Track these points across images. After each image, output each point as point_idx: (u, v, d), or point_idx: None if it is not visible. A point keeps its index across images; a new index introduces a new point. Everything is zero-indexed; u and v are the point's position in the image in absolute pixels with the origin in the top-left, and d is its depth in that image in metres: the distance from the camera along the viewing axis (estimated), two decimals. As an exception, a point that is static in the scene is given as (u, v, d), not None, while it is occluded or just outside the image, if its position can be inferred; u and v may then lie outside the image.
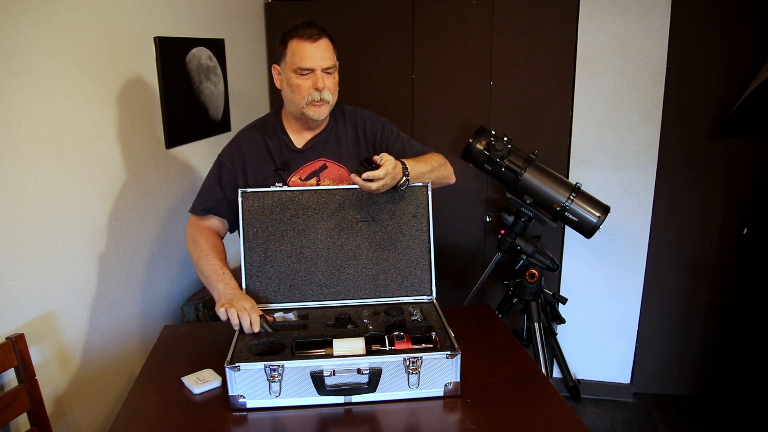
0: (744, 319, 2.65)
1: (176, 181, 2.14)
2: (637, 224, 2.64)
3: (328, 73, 1.58)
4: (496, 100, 2.65)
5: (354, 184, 1.45)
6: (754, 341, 2.64)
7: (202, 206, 1.67)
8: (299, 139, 1.69)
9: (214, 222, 1.68)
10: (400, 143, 1.71)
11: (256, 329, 1.39)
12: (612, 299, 2.74)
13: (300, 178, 1.67)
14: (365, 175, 1.39)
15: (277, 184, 1.57)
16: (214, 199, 1.66)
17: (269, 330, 1.41)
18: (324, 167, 1.68)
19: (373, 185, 1.41)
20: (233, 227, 1.70)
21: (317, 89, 1.56)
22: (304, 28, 1.57)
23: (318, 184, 1.67)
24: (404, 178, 1.48)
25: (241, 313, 1.39)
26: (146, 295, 1.98)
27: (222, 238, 1.69)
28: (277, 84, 1.65)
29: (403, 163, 1.49)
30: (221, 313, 1.41)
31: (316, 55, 1.55)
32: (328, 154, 1.69)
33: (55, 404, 1.59)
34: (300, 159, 1.68)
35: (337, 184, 1.66)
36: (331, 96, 1.59)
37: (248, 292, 1.53)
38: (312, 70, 1.56)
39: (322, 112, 1.59)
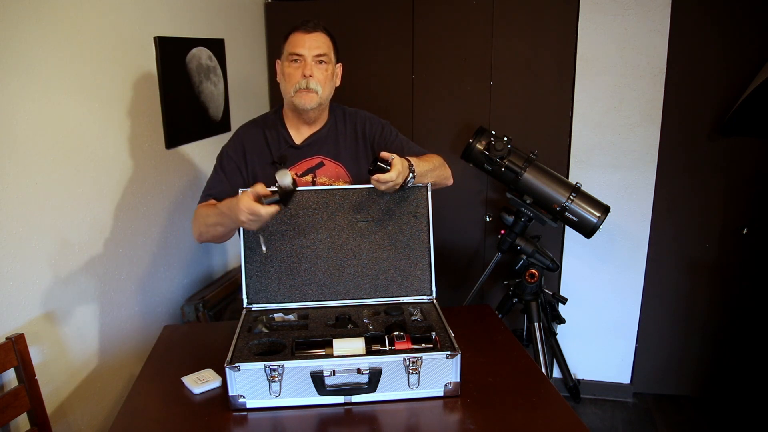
0: (744, 319, 2.65)
1: (176, 181, 2.14)
2: (637, 224, 2.64)
3: (320, 62, 1.60)
4: (496, 100, 2.65)
5: (363, 184, 1.47)
6: (754, 341, 2.64)
7: (207, 192, 1.69)
8: (298, 135, 1.70)
9: None
10: (398, 144, 1.72)
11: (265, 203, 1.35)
12: (612, 299, 2.73)
13: (296, 174, 1.68)
14: (377, 177, 1.39)
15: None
16: (219, 187, 1.67)
17: (277, 199, 1.35)
18: (321, 164, 1.69)
19: (383, 186, 1.42)
20: None
21: (304, 76, 1.58)
22: (305, 22, 1.61)
23: (314, 181, 1.68)
24: (411, 175, 1.48)
25: (259, 214, 1.34)
26: (146, 295, 1.98)
27: None
28: (278, 78, 1.67)
29: (408, 161, 1.50)
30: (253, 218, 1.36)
31: (308, 42, 1.59)
32: (326, 152, 1.70)
33: (55, 404, 1.59)
34: (297, 155, 1.69)
35: (333, 181, 1.67)
36: (319, 87, 1.60)
37: (248, 292, 1.54)
38: (303, 58, 1.59)
39: (309, 101, 1.60)
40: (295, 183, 1.35)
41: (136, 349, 1.92)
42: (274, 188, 1.35)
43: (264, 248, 1.47)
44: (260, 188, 1.35)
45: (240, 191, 1.54)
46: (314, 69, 1.59)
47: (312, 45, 1.59)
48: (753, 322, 2.63)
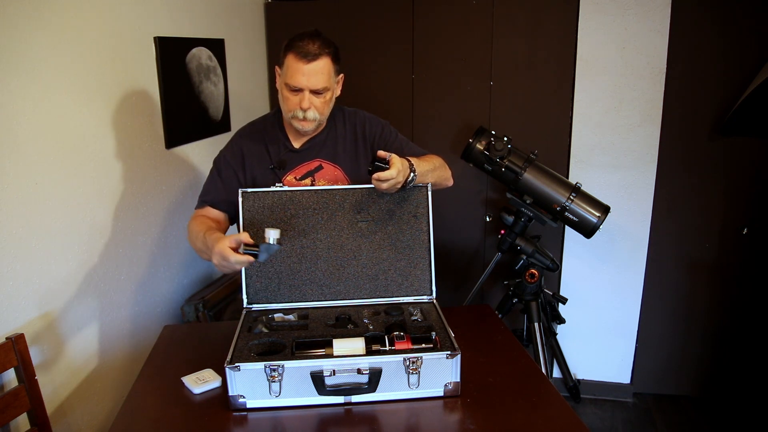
0: (744, 319, 2.65)
1: (176, 181, 2.14)
2: (637, 224, 2.64)
3: (318, 93, 1.56)
4: (496, 100, 2.65)
5: (364, 184, 1.45)
6: (754, 341, 2.64)
7: (202, 198, 1.69)
8: (297, 139, 1.70)
9: (212, 212, 1.68)
10: (398, 144, 1.71)
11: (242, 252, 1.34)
12: (612, 299, 2.74)
13: (295, 178, 1.68)
14: (378, 175, 1.39)
15: (277, 184, 1.57)
16: (214, 191, 1.67)
17: (256, 251, 1.34)
18: (319, 168, 1.69)
19: (384, 185, 1.41)
20: (232, 220, 1.71)
21: (302, 108, 1.56)
22: (305, 43, 1.53)
23: (313, 184, 1.67)
24: (412, 175, 1.48)
25: (227, 261, 1.34)
26: (146, 295, 1.98)
27: (223, 230, 1.67)
28: (277, 85, 1.66)
29: (409, 160, 1.50)
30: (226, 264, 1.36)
31: (306, 76, 1.53)
32: (324, 155, 1.70)
33: (55, 404, 1.59)
34: (296, 159, 1.69)
35: (332, 185, 1.67)
36: (317, 114, 1.58)
37: (248, 292, 1.54)
38: (301, 89, 1.55)
39: (306, 126, 1.60)
40: (279, 244, 1.35)
41: (137, 349, 1.92)
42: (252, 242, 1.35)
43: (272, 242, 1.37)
44: (244, 236, 1.36)
45: (240, 191, 1.55)
46: (312, 99, 1.56)
47: (311, 80, 1.53)
48: (753, 322, 2.63)
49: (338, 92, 1.66)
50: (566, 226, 2.50)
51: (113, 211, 1.80)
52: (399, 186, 1.45)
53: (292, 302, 1.55)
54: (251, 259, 1.34)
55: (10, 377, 1.45)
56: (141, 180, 1.92)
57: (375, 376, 1.27)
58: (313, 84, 1.54)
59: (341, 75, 1.65)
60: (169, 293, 2.12)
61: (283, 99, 1.60)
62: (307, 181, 1.68)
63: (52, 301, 1.57)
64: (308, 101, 1.55)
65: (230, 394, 1.27)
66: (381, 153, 1.42)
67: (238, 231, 1.58)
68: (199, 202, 1.69)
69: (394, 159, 1.41)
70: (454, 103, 2.69)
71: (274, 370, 1.25)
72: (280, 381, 1.26)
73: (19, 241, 1.44)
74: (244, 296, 1.54)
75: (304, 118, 1.57)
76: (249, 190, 1.55)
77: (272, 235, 1.34)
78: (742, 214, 2.57)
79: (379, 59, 2.72)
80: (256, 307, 1.54)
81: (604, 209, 2.19)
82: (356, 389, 1.28)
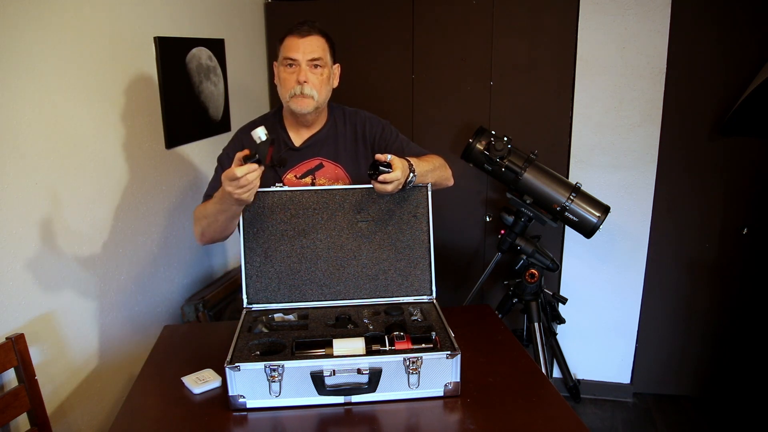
0: (744, 319, 2.65)
1: (176, 181, 2.14)
2: (637, 224, 2.64)
3: (314, 66, 1.59)
4: (496, 100, 2.65)
5: (364, 184, 1.45)
6: (754, 341, 2.64)
7: (207, 192, 1.69)
8: (297, 137, 1.70)
9: None
10: (399, 144, 1.71)
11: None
12: (612, 299, 2.74)
13: (295, 176, 1.68)
14: (383, 177, 1.39)
15: (277, 184, 1.57)
16: (218, 186, 1.67)
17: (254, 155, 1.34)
18: (320, 166, 1.69)
19: (389, 187, 1.41)
20: None
21: (299, 83, 1.57)
22: (299, 26, 1.59)
23: (313, 183, 1.68)
24: (412, 176, 1.48)
25: (233, 176, 1.32)
26: (146, 295, 1.98)
27: None
28: (275, 80, 1.67)
29: (408, 161, 1.50)
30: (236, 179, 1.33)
31: (302, 48, 1.57)
32: (325, 153, 1.70)
33: (55, 404, 1.59)
34: (297, 157, 1.69)
35: (332, 183, 1.67)
36: (314, 92, 1.59)
37: (248, 292, 1.54)
38: (297, 63, 1.57)
39: (304, 105, 1.59)
40: (267, 137, 1.34)
41: (136, 349, 1.92)
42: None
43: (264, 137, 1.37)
44: (239, 154, 1.35)
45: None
46: (309, 74, 1.58)
47: (306, 49, 1.57)
48: (753, 322, 2.63)
49: (335, 83, 1.68)
50: (566, 226, 2.50)
51: (113, 211, 1.80)
52: (399, 187, 1.45)
53: (292, 302, 1.55)
54: (254, 165, 1.32)
55: (10, 377, 1.45)
56: (141, 180, 1.92)
57: (375, 376, 1.27)
58: (309, 52, 1.57)
59: (337, 65, 1.68)
60: (169, 293, 2.12)
61: (281, 84, 1.62)
62: (308, 179, 1.69)
63: (52, 301, 1.57)
64: (305, 74, 1.57)
65: (230, 394, 1.27)
66: (380, 156, 1.41)
67: (239, 233, 1.58)
68: (204, 197, 1.68)
69: (395, 160, 1.41)
70: (454, 103, 2.69)
71: (274, 370, 1.25)
72: (280, 381, 1.26)
73: (19, 241, 1.44)
74: (244, 296, 1.54)
75: (302, 94, 1.58)
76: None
77: (260, 134, 1.35)
78: (742, 214, 2.57)
79: (379, 59, 2.73)
80: (256, 307, 1.54)
81: (604, 209, 2.19)
82: (356, 389, 1.28)
